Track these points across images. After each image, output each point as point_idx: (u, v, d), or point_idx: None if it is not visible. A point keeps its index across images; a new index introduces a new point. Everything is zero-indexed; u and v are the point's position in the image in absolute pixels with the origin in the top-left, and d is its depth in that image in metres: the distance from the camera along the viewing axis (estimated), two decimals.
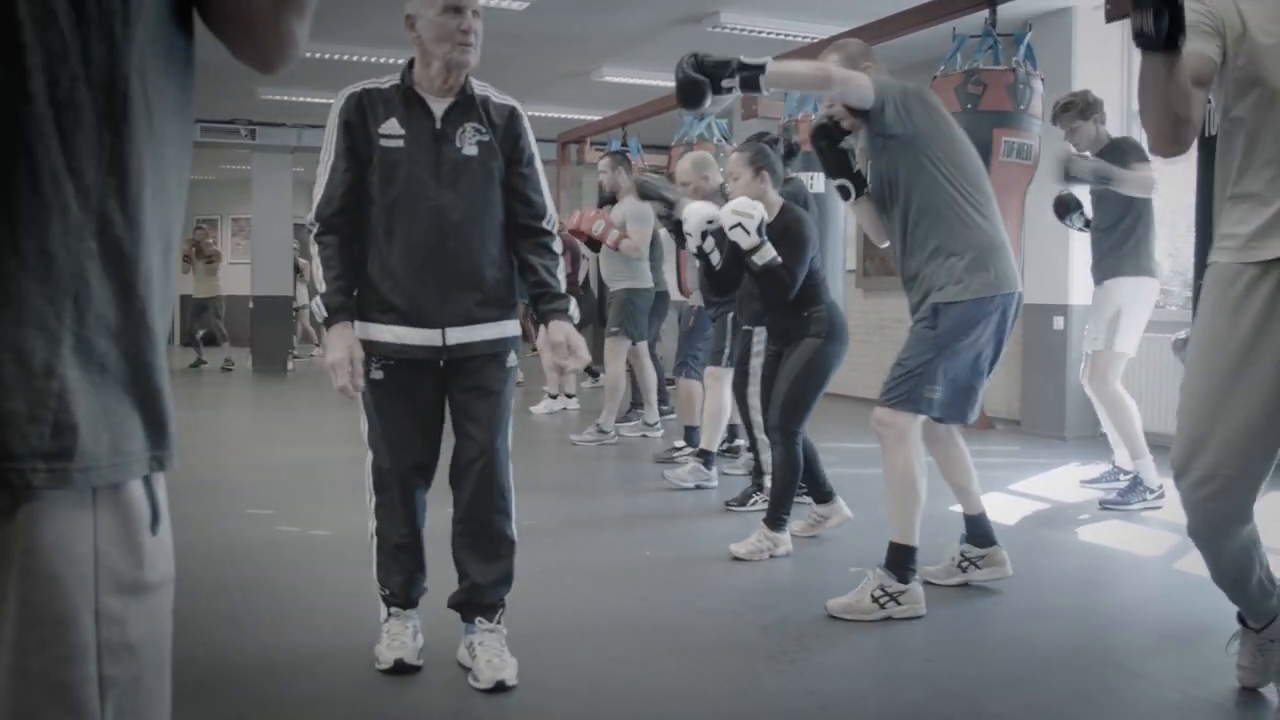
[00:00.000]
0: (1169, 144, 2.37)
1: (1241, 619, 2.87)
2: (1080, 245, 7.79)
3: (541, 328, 2.97)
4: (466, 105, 2.86)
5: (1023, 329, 8.36)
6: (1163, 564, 4.48)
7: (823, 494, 4.80)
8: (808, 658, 3.24)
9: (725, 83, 3.21)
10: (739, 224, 4.18)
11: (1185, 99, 2.28)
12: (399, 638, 3.06)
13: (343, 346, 2.76)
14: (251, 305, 13.89)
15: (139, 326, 1.03)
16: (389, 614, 3.11)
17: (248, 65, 1.15)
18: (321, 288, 2.83)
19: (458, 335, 2.87)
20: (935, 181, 3.48)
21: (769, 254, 4.25)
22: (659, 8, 8.04)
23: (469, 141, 2.84)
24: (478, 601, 3.04)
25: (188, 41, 1.08)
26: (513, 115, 2.93)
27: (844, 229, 7.31)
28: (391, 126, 2.81)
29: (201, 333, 13.99)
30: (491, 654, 2.96)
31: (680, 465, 5.92)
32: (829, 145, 3.66)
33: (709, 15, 8.29)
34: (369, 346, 2.88)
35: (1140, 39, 2.18)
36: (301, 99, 11.59)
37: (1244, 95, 2.41)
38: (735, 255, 4.37)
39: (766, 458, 4.96)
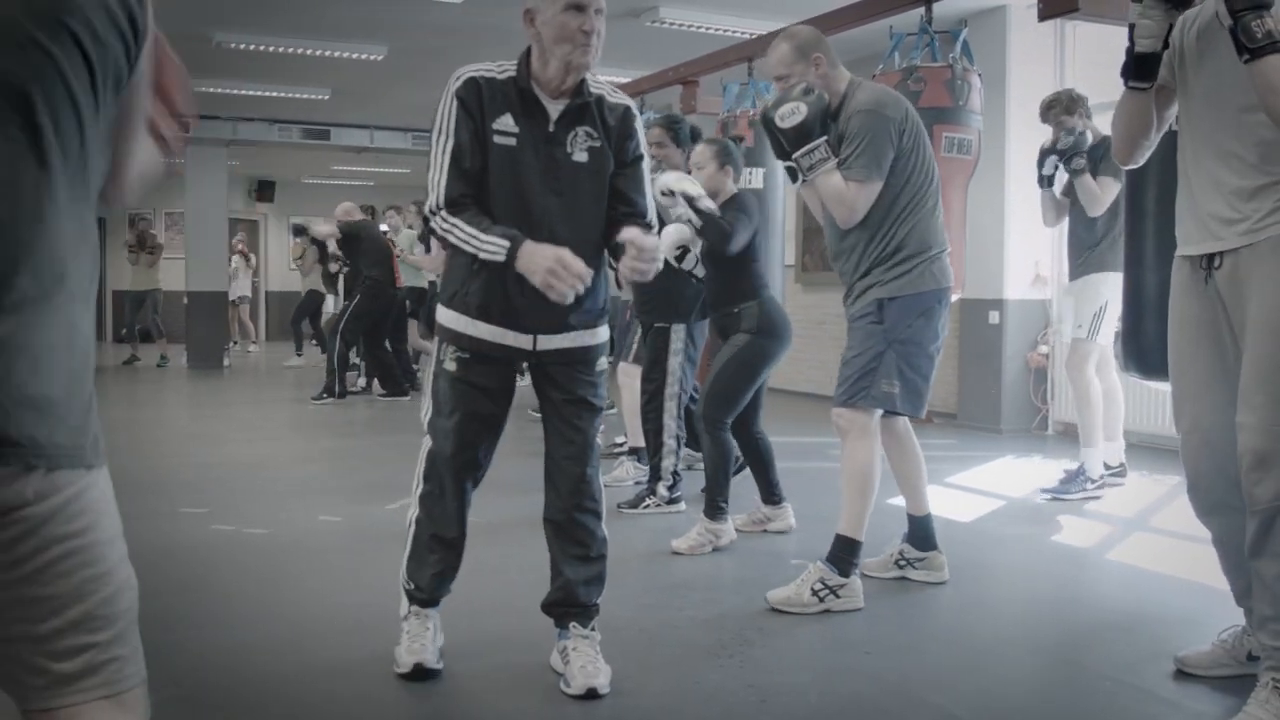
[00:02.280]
0: (1127, 158, 2.94)
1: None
2: (1016, 240, 8.08)
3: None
4: (581, 108, 2.76)
5: (959, 323, 8.44)
6: (1099, 554, 4.54)
7: (772, 496, 4.80)
8: (748, 651, 3.24)
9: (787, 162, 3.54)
10: (684, 188, 4.29)
11: (1148, 125, 2.83)
12: (419, 639, 2.97)
13: (547, 252, 2.59)
14: (186, 300, 13.64)
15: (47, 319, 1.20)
16: (409, 611, 3.02)
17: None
18: (483, 237, 2.65)
19: (549, 341, 2.83)
20: (894, 185, 3.50)
21: (707, 204, 4.32)
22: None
23: (580, 147, 2.76)
24: (571, 603, 2.95)
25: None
26: (626, 114, 2.83)
27: (783, 224, 7.33)
28: (505, 122, 2.72)
29: (138, 328, 13.73)
30: (585, 660, 2.88)
31: (617, 466, 5.86)
32: (775, 140, 3.61)
33: (647, 10, 8.25)
34: (452, 336, 2.83)
35: (1126, 78, 2.75)
36: (237, 91, 11.41)
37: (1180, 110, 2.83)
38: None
39: (668, 463, 5.01)
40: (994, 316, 8.26)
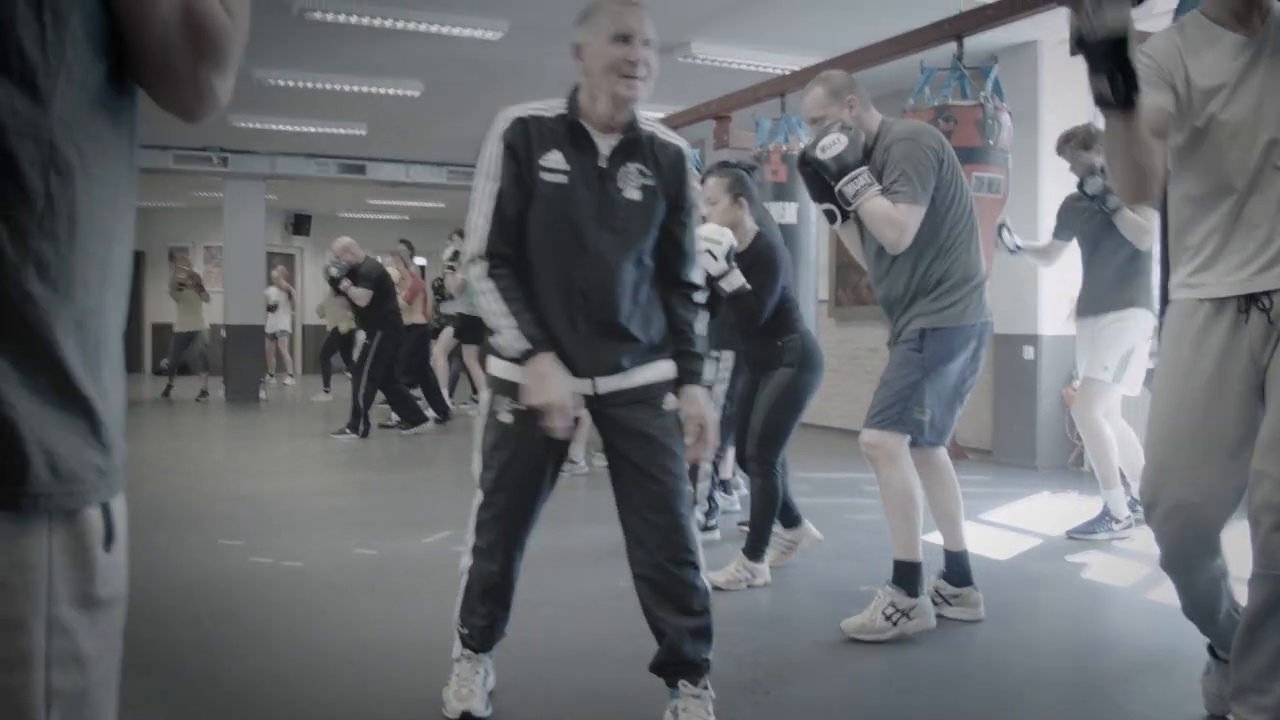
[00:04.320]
0: (1135, 196, 2.48)
1: (1212, 650, 2.88)
2: (1050, 274, 7.88)
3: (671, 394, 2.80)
4: (633, 143, 2.71)
5: (994, 359, 8.40)
6: (1134, 593, 4.49)
7: (789, 519, 4.78)
8: (783, 689, 3.24)
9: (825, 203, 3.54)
10: (707, 250, 4.18)
11: (1147, 152, 2.38)
12: (468, 684, 2.93)
13: (561, 383, 2.60)
14: (224, 334, 13.82)
15: (81, 360, 1.07)
16: (462, 654, 2.98)
17: (173, 114, 1.17)
18: (506, 321, 2.64)
19: (610, 383, 2.74)
20: (935, 216, 3.54)
21: (737, 280, 4.27)
22: None
23: (632, 185, 2.70)
24: (678, 660, 2.78)
25: (118, 88, 1.12)
26: (678, 157, 2.78)
27: (815, 258, 7.37)
28: (555, 160, 2.66)
29: (167, 363, 13.90)
30: None
31: None
32: (815, 170, 3.66)
33: (680, 46, 8.32)
34: (506, 387, 2.74)
35: (1099, 101, 2.27)
36: (275, 126, 11.63)
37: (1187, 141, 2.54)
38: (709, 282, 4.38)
39: (703, 487, 4.94)
40: (1029, 352, 8.24)
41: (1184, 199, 2.60)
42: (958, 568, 3.95)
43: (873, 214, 3.50)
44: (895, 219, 3.46)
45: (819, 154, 3.52)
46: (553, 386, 2.58)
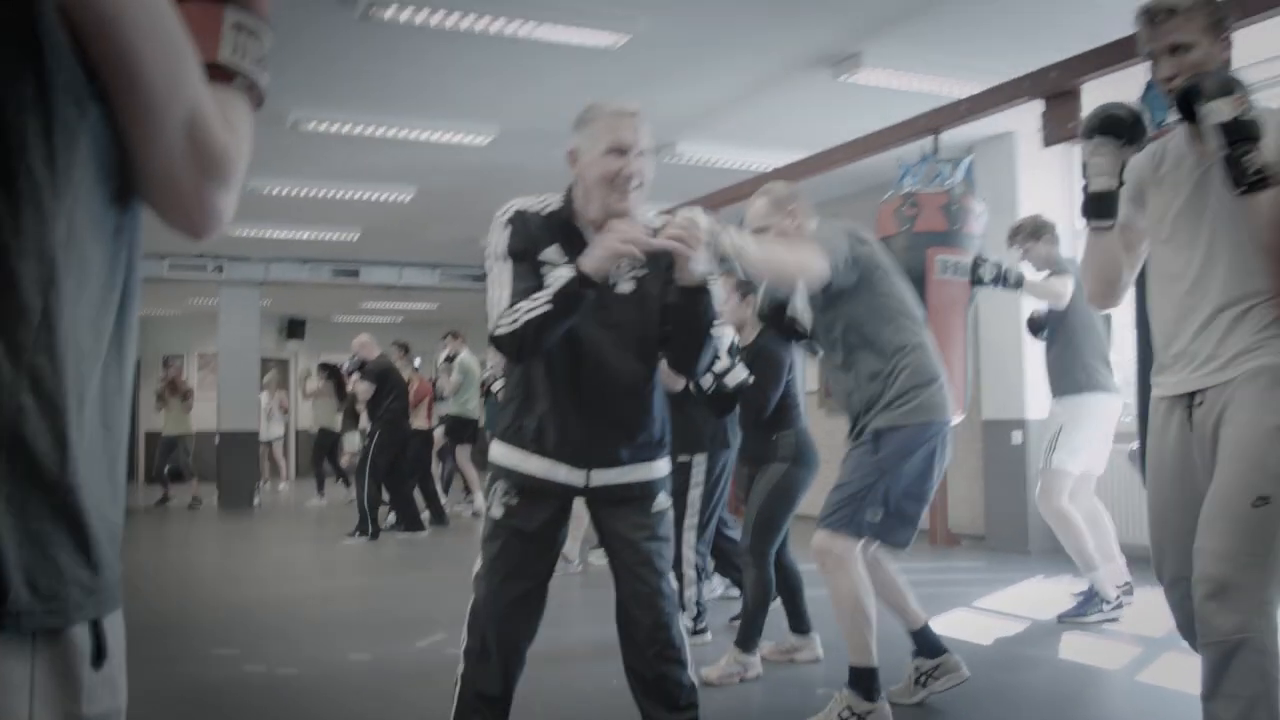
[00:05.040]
0: (1101, 299, 2.89)
1: None
2: (1035, 359, 7.79)
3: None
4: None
5: (983, 444, 8.51)
6: (1123, 675, 4.49)
7: (800, 625, 4.77)
8: None
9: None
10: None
11: (1117, 264, 2.79)
12: None
13: (606, 238, 2.54)
14: (218, 441, 13.82)
15: (73, 476, 1.06)
16: None
17: (178, 231, 1.18)
18: (544, 295, 2.57)
19: (604, 476, 2.74)
20: (873, 313, 3.56)
21: (740, 375, 4.30)
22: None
23: (624, 278, 2.70)
24: None
25: (122, 205, 1.14)
26: None
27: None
28: (552, 254, 2.68)
29: (168, 468, 13.91)
30: None
31: None
32: (780, 320, 3.81)
33: (665, 147, 8.45)
34: (503, 473, 2.76)
35: (1086, 218, 2.68)
36: (270, 234, 11.78)
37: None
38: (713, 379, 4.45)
39: (690, 594, 4.93)
40: (1017, 437, 8.27)
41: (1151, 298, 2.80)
42: (926, 641, 3.97)
43: (767, 258, 3.25)
44: (798, 256, 3.39)
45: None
46: (604, 245, 2.54)
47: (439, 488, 11.21)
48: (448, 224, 11.40)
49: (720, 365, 4.28)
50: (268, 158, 8.67)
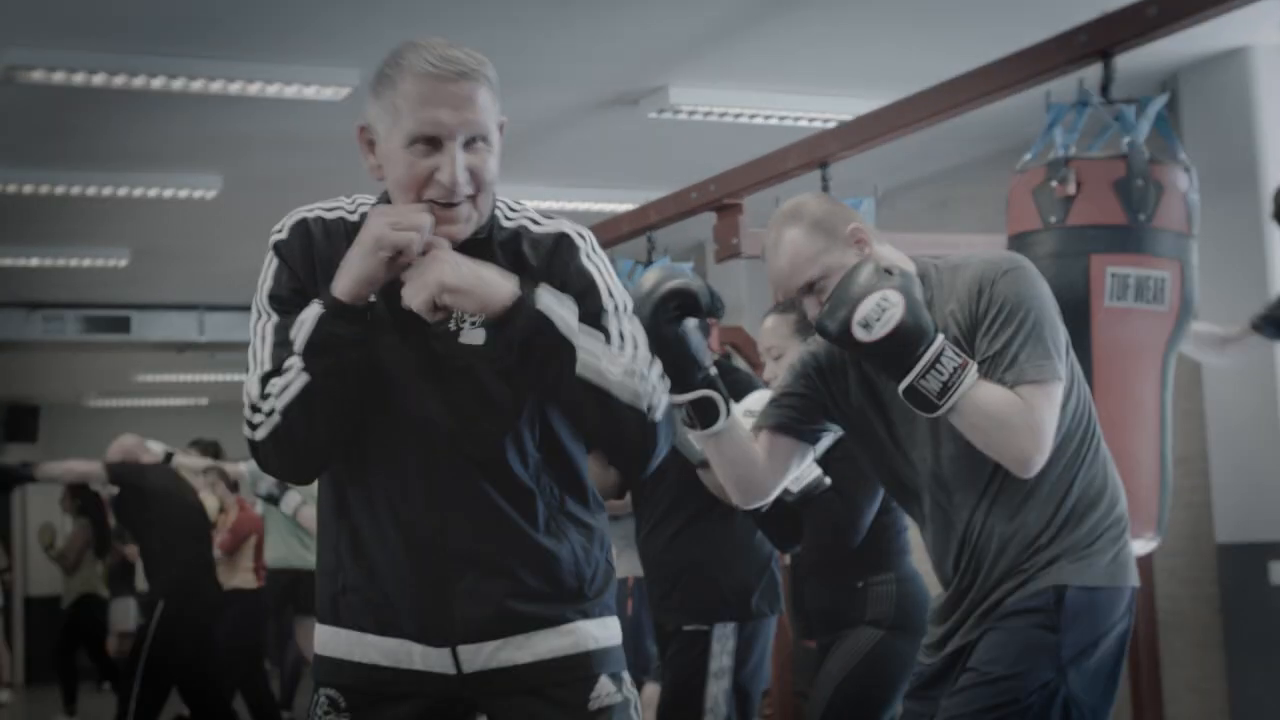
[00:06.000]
0: None
1: None
2: None
3: None
4: (477, 255, 1.98)
5: (1221, 585, 6.39)
6: None
7: None
8: None
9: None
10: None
11: None
12: None
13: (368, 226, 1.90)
14: None
15: None
16: None
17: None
18: (289, 367, 1.91)
19: (481, 655, 2.01)
20: (1070, 404, 2.71)
21: (808, 474, 3.27)
22: (585, 85, 6.26)
23: (470, 319, 2.01)
24: None
25: None
26: (557, 246, 2.05)
27: None
28: None
29: None
30: None
31: None
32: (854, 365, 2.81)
33: (651, 94, 6.26)
34: (325, 672, 2.07)
35: None
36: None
37: None
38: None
39: None
40: (1277, 572, 6.09)
41: None
42: None
43: (984, 413, 2.58)
44: (1022, 416, 2.55)
45: (861, 335, 2.54)
46: (362, 244, 1.88)
47: (273, 688, 7.90)
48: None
49: None
50: None
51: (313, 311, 1.89)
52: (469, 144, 1.92)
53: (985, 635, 2.60)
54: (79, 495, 10.03)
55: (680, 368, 2.37)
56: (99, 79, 5.41)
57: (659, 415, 1.96)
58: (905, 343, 2.52)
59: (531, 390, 1.98)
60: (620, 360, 1.93)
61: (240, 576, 7.61)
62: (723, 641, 3.84)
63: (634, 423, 1.94)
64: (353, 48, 5.32)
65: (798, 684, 4.59)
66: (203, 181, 7.25)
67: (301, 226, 2.06)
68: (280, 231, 2.07)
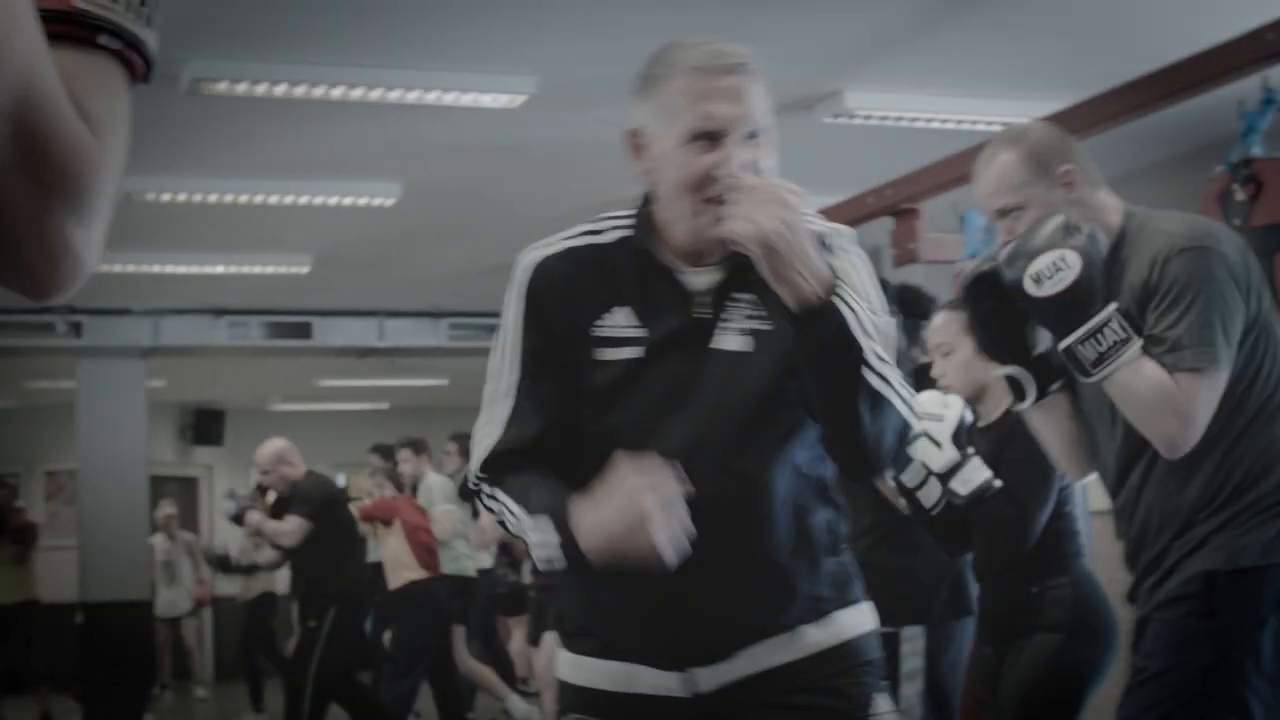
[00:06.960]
0: None
1: None
2: None
3: None
4: (741, 271, 1.89)
5: None
6: None
7: None
8: None
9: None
10: (923, 433, 3.31)
11: None
12: None
13: (626, 482, 1.77)
14: (80, 619, 9.68)
15: None
16: None
17: (16, 291, 0.95)
18: (523, 516, 1.87)
19: (723, 674, 1.94)
20: (1244, 376, 2.69)
21: (978, 478, 3.33)
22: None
23: (735, 327, 1.95)
24: None
25: None
26: (823, 244, 1.92)
27: None
28: (620, 321, 1.95)
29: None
30: None
31: None
32: (997, 308, 2.76)
33: (826, 98, 6.30)
34: (570, 699, 2.07)
35: None
36: (160, 269, 8.67)
37: None
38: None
39: None
40: None
41: None
42: None
43: (1135, 394, 2.63)
44: (1175, 402, 2.59)
45: (1031, 288, 2.60)
46: (615, 507, 1.77)
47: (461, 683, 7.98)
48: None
49: (940, 459, 3.35)
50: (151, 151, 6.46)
51: (547, 532, 1.83)
52: (747, 139, 1.90)
53: (1147, 627, 2.68)
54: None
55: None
56: (280, 90, 5.61)
57: (915, 419, 1.93)
58: (1072, 305, 2.57)
59: (813, 389, 1.90)
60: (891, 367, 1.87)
61: (408, 569, 7.57)
62: (912, 643, 3.88)
63: (899, 430, 1.89)
64: (530, 56, 5.47)
65: (976, 686, 4.73)
66: (382, 189, 7.47)
67: (546, 272, 1.98)
68: (527, 268, 1.99)
